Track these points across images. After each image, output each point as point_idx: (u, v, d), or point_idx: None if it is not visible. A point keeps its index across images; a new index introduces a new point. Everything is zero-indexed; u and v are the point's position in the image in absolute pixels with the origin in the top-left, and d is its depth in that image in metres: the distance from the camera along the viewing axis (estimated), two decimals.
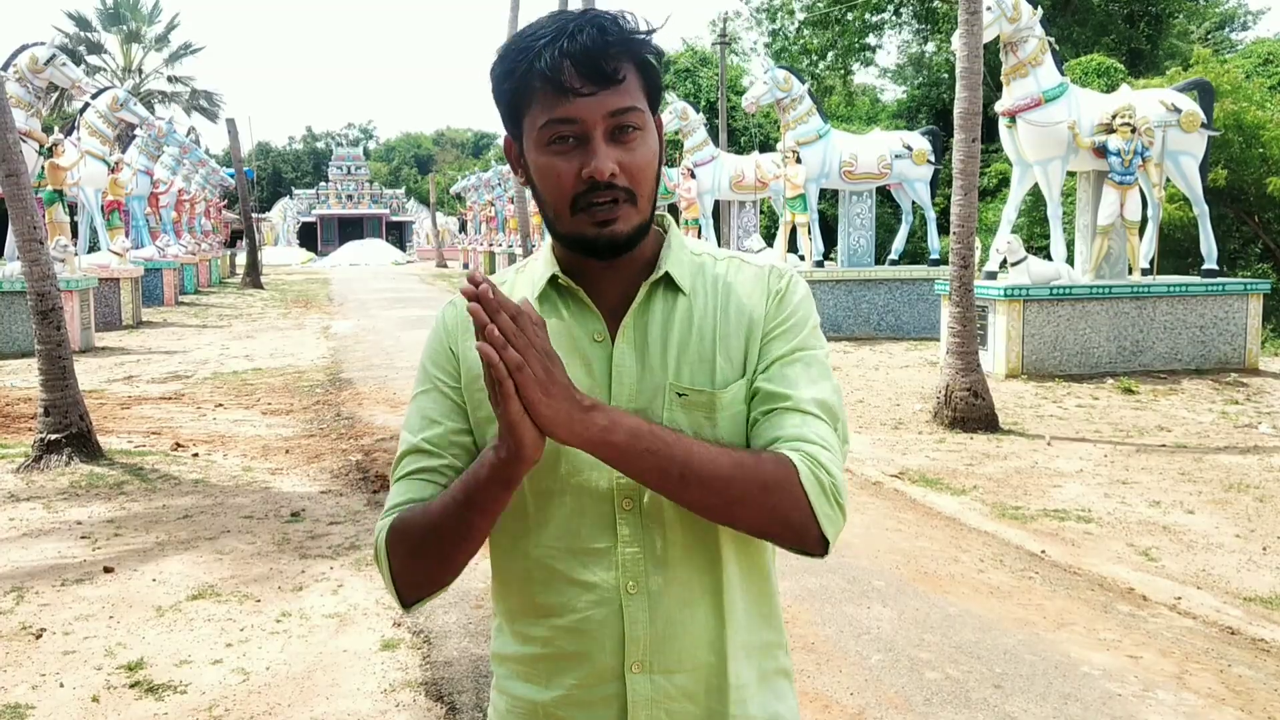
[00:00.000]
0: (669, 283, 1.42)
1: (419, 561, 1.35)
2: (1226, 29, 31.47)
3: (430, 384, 1.46)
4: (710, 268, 1.46)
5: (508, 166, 33.14)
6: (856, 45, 32.18)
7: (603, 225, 1.33)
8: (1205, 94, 13.35)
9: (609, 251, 1.36)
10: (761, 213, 24.27)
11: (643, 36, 1.35)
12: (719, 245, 19.16)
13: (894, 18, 31.26)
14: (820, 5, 31.40)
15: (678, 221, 22.99)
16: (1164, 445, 8.44)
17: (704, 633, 1.40)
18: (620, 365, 1.38)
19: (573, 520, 1.38)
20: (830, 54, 32.52)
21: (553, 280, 1.43)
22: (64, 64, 15.45)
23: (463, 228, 55.58)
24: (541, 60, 1.30)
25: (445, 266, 48.76)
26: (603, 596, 1.37)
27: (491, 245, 40.17)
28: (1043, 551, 5.77)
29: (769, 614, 1.49)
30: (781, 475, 1.28)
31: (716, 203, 21.54)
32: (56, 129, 19.21)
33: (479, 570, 5.37)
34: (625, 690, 1.39)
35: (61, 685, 4.06)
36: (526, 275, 1.49)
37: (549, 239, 1.47)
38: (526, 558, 1.42)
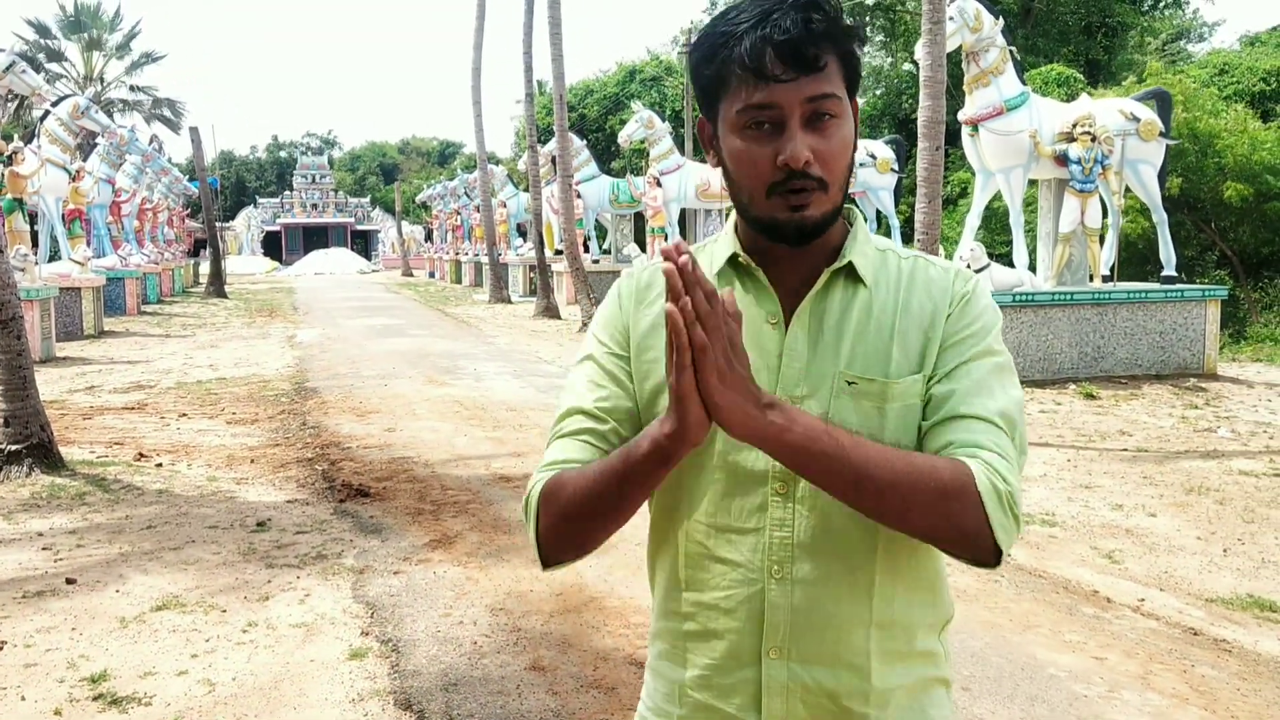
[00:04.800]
0: (851, 272, 1.40)
1: (567, 524, 1.33)
2: (1183, 40, 31.97)
3: (598, 351, 1.46)
4: (894, 263, 1.44)
5: (474, 175, 33.18)
6: None
7: (795, 210, 1.32)
8: (1163, 103, 13.57)
9: (797, 236, 1.34)
10: (727, 221, 24.35)
11: (850, 24, 1.32)
12: None
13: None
14: None
15: (648, 230, 23.01)
16: (1125, 449, 8.55)
17: (848, 630, 1.37)
18: (792, 349, 1.37)
19: (724, 498, 1.38)
20: None
21: (733, 259, 1.42)
22: (24, 71, 15.27)
23: (428, 236, 55.43)
24: (742, 46, 1.29)
25: (411, 275, 48.59)
26: (746, 576, 1.37)
27: (458, 254, 40.16)
28: (1008, 555, 5.82)
29: (931, 623, 1.46)
30: (958, 482, 1.26)
31: (683, 211, 21.60)
32: (16, 137, 18.96)
33: (446, 578, 5.35)
34: (760, 675, 1.37)
35: (23, 699, 4.00)
36: (706, 254, 1.47)
37: (732, 219, 1.46)
38: (678, 529, 1.42)
